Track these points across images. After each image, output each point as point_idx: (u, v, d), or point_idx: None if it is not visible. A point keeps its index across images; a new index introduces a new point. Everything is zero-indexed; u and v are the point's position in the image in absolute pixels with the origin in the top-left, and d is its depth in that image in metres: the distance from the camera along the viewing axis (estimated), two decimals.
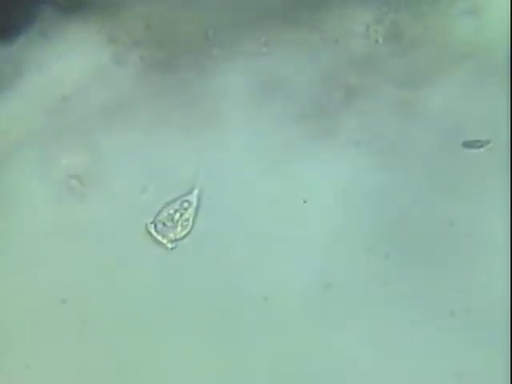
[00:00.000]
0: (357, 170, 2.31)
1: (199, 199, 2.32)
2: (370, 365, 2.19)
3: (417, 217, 2.27)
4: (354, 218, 2.28)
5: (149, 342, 2.24)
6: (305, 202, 2.27)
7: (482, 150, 2.27)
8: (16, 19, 2.42)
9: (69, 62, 2.41)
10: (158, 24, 2.43)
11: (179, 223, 2.31)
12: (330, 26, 2.39)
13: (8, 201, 2.35)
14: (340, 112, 2.36)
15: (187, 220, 2.31)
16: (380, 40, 2.38)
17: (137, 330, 2.25)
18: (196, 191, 2.32)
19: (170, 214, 2.31)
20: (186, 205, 2.32)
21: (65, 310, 2.27)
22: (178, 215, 2.31)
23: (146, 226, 2.31)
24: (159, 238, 2.30)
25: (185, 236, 2.30)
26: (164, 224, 2.31)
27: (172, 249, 2.30)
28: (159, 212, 2.32)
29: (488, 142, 1.93)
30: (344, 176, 2.31)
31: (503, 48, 2.32)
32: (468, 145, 1.93)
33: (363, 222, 2.28)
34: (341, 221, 2.28)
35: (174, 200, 2.32)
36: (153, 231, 2.31)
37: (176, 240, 2.30)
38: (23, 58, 2.42)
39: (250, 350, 2.22)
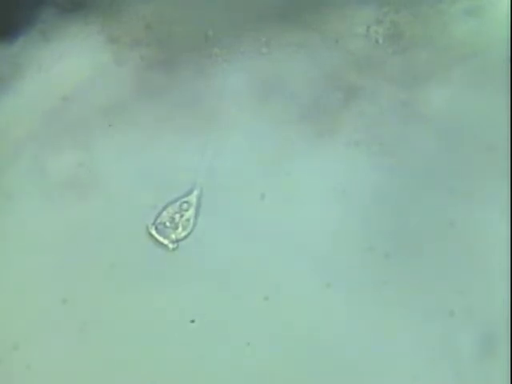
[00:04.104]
0: (357, 170, 2.31)
1: (199, 200, 2.32)
2: (370, 364, 2.19)
3: (417, 217, 2.27)
4: (353, 218, 2.28)
5: (149, 341, 2.24)
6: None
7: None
8: (16, 19, 2.42)
9: (69, 62, 2.41)
10: (157, 24, 2.43)
11: (180, 224, 2.31)
12: (330, 26, 2.39)
13: (8, 201, 2.35)
14: (340, 112, 2.36)
15: (188, 220, 2.31)
16: (380, 40, 2.38)
17: (137, 330, 2.25)
18: (196, 192, 2.32)
19: (170, 215, 2.31)
20: (186, 205, 2.32)
21: (65, 310, 2.27)
22: (178, 216, 2.31)
23: (147, 227, 2.31)
24: (160, 238, 2.30)
25: (186, 236, 2.30)
26: (165, 225, 2.31)
27: (173, 249, 2.30)
28: (160, 213, 2.31)
29: None
30: (344, 176, 2.31)
31: (503, 48, 2.32)
32: None
33: (363, 222, 2.28)
34: (341, 221, 2.29)
35: (175, 201, 2.32)
36: (154, 232, 2.30)
37: (177, 241, 2.30)
38: (23, 58, 2.41)
39: (250, 350, 2.22)
